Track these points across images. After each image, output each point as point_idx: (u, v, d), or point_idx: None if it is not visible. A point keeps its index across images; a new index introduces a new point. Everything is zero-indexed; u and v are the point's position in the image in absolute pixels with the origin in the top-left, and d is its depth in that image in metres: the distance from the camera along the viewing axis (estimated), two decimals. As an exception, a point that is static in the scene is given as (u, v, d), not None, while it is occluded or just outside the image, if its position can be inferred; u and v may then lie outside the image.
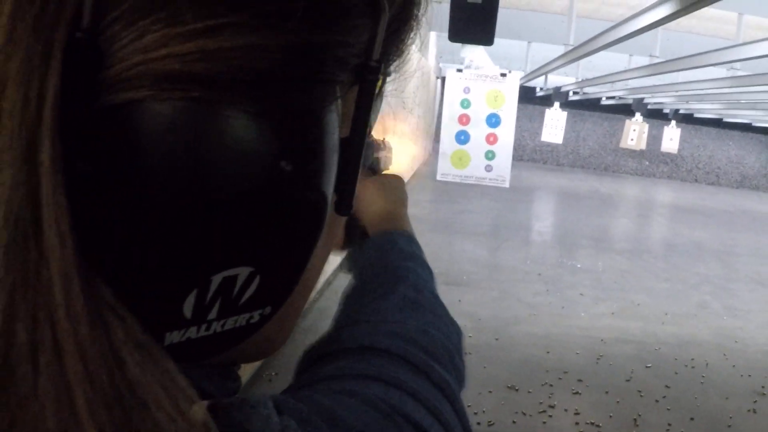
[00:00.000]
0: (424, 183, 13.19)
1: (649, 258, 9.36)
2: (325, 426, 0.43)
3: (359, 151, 0.44)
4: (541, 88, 15.78)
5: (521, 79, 8.81)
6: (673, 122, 17.83)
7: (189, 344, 0.39)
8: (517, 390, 4.54)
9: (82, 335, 0.30)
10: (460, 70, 8.09)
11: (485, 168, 8.10)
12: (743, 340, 6.02)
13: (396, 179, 1.07)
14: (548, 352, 5.26)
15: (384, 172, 1.08)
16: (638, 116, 15.81)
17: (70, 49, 0.30)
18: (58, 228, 0.30)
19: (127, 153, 0.32)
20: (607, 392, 4.64)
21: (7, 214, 0.29)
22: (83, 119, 0.31)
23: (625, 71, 8.88)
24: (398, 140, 9.35)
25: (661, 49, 7.11)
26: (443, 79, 11.18)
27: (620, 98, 16.03)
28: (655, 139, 19.59)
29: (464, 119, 8.02)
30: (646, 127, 16.09)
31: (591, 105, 20.47)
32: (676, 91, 10.40)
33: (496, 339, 5.35)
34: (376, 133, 1.07)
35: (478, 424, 3.95)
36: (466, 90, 8.00)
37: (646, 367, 5.17)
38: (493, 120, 8.01)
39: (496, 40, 3.91)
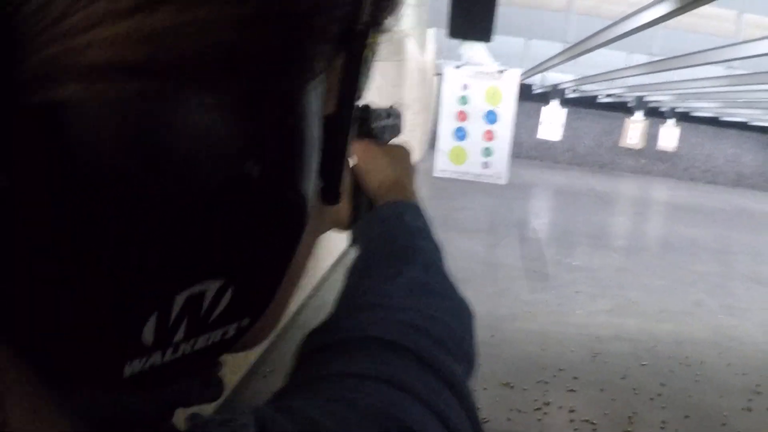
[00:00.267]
0: (421, 179, 13.16)
1: (645, 256, 9.37)
2: None
3: (346, 130, 0.38)
4: (539, 86, 15.79)
5: (519, 76, 8.80)
6: (671, 120, 17.83)
7: (154, 371, 0.33)
8: (512, 387, 4.54)
9: None
10: (458, 67, 8.07)
11: (482, 165, 8.09)
12: (739, 338, 6.03)
13: (402, 149, 1.03)
14: (544, 350, 5.26)
15: (391, 142, 1.05)
16: (639, 115, 15.77)
17: None
18: None
19: (56, 163, 0.26)
20: (602, 390, 4.64)
21: None
22: None
23: (623, 69, 8.88)
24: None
25: (660, 46, 7.12)
26: (441, 76, 11.18)
27: (618, 96, 16.02)
28: (652, 137, 19.60)
29: (462, 116, 8.01)
30: (646, 125, 16.06)
31: (588, 103, 20.47)
32: (674, 90, 10.40)
33: (492, 336, 5.35)
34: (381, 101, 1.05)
35: (474, 420, 3.94)
36: (464, 87, 7.99)
37: (642, 364, 5.18)
38: (491, 117, 8.00)
39: (495, 36, 3.91)
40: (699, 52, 5.88)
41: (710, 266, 9.10)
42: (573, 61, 8.77)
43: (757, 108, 13.17)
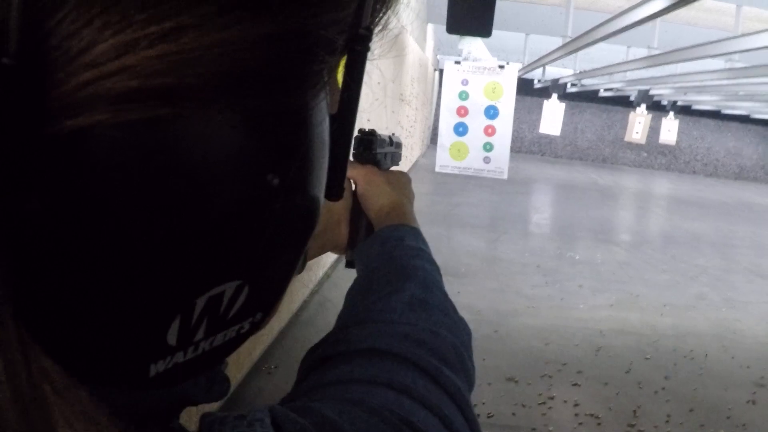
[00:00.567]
0: (422, 175, 13.18)
1: (647, 250, 9.36)
2: None
3: (350, 129, 0.40)
4: (539, 80, 15.77)
5: (519, 70, 8.79)
6: (672, 114, 17.81)
7: (176, 369, 0.35)
8: (516, 382, 4.54)
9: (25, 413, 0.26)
10: (458, 62, 8.07)
11: (484, 160, 8.08)
12: (742, 331, 6.02)
13: (403, 175, 1.06)
14: (547, 344, 5.26)
15: (392, 168, 1.07)
16: (643, 108, 15.70)
17: None
18: None
19: (87, 186, 0.28)
20: (606, 384, 4.64)
21: None
22: (24, 153, 0.26)
23: (623, 63, 8.87)
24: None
25: (660, 40, 7.11)
26: (441, 71, 11.17)
27: (618, 90, 16.01)
28: (653, 130, 19.59)
29: (462, 111, 8.00)
30: (650, 119, 15.99)
31: (589, 97, 20.47)
32: (675, 83, 10.39)
33: (495, 331, 5.35)
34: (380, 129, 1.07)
35: (478, 416, 3.93)
36: (464, 82, 7.99)
37: (645, 358, 5.17)
38: (492, 112, 8.00)
39: (494, 31, 3.91)
40: (699, 45, 5.87)
41: (712, 260, 9.09)
42: (573, 56, 8.77)
43: (757, 101, 13.17)
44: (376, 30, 0.41)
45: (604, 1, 7.79)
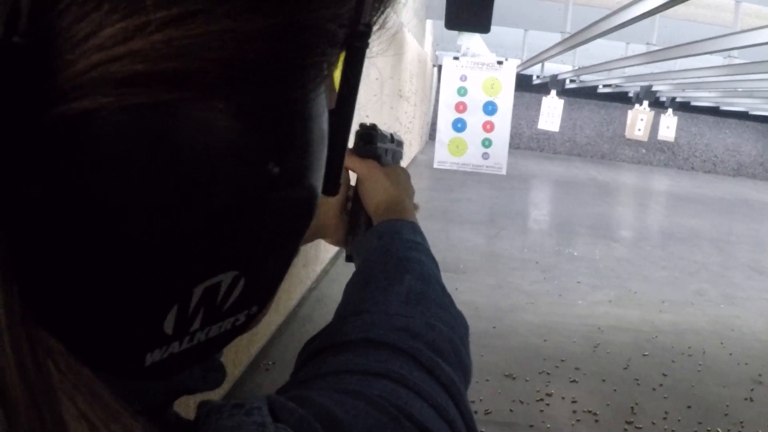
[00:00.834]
0: (421, 171, 13.19)
1: (646, 246, 9.37)
2: None
3: (348, 124, 0.40)
4: (538, 76, 15.75)
5: (518, 66, 8.80)
6: (670, 110, 17.80)
7: (172, 359, 0.35)
8: (514, 378, 4.54)
9: (30, 388, 0.26)
10: (456, 58, 8.07)
11: (482, 156, 8.09)
12: (740, 328, 6.03)
13: (403, 171, 1.06)
14: (545, 341, 5.26)
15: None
16: (645, 105, 15.65)
17: (7, 57, 0.25)
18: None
19: (89, 169, 0.28)
20: (604, 380, 4.64)
21: None
22: (29, 135, 0.26)
23: (622, 59, 8.87)
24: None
25: (658, 36, 7.10)
26: (440, 67, 11.18)
27: (617, 86, 15.99)
28: (652, 127, 19.59)
29: (461, 107, 8.01)
30: (652, 116, 15.94)
31: (588, 93, 20.46)
32: (673, 79, 10.38)
33: (494, 327, 5.35)
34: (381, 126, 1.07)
35: (476, 412, 3.95)
36: (463, 78, 7.99)
37: (644, 355, 5.18)
38: (490, 108, 8.01)
39: (493, 27, 3.91)
40: (697, 41, 5.86)
41: (711, 256, 9.10)
42: (572, 52, 8.76)
43: (756, 97, 13.16)
44: (375, 28, 0.41)
45: (602, -3, 7.79)
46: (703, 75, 8.38)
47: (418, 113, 15.49)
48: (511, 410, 4.10)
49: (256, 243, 0.35)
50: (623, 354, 5.15)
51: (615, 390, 4.51)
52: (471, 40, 8.06)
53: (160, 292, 0.32)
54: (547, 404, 4.23)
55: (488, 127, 8.04)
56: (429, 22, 13.78)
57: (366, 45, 0.39)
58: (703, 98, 16.55)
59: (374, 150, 1.02)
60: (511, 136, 9.18)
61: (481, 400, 4.13)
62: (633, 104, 16.28)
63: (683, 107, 20.28)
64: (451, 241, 8.13)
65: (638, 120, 15.72)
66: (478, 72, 7.99)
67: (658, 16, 5.65)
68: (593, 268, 7.70)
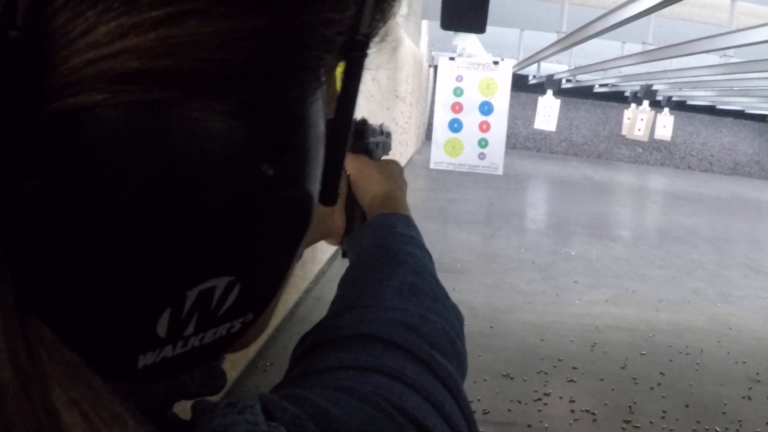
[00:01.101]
0: (417, 171, 13.19)
1: (643, 245, 9.38)
2: (319, 431, 0.41)
3: (346, 135, 0.40)
4: (534, 76, 15.76)
5: (514, 67, 8.79)
6: (667, 109, 17.82)
7: (165, 363, 0.35)
8: (512, 378, 4.54)
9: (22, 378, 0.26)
10: (452, 59, 8.07)
11: (478, 156, 8.09)
12: (737, 326, 6.04)
13: (395, 164, 1.06)
14: (543, 340, 5.27)
15: (383, 158, 1.08)
16: (645, 105, 15.62)
17: (3, 50, 0.25)
18: None
19: (82, 166, 0.28)
20: (601, 380, 4.65)
21: None
22: (24, 131, 0.26)
23: (618, 58, 8.87)
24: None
25: (654, 36, 7.11)
26: (435, 68, 11.18)
27: (613, 86, 16.00)
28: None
29: (457, 107, 8.01)
30: (653, 116, 15.90)
31: (584, 93, 20.47)
32: (669, 79, 10.39)
33: (491, 327, 5.35)
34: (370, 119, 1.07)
35: (474, 412, 3.95)
36: (459, 78, 7.99)
37: (641, 354, 5.18)
38: (486, 108, 8.01)
39: (489, 28, 3.90)
40: (693, 40, 5.87)
41: (708, 255, 9.11)
42: (567, 52, 8.77)
43: (752, 96, 13.18)
44: (375, 40, 0.42)
45: (598, -4, 7.79)
46: (699, 74, 8.39)
47: (415, 114, 15.49)
48: (509, 410, 4.11)
49: (250, 246, 0.34)
50: (621, 353, 5.16)
51: (613, 389, 4.51)
52: (467, 41, 8.06)
53: (151, 294, 0.32)
54: (545, 404, 4.24)
55: (484, 127, 8.04)
56: (425, 23, 13.79)
57: (364, 55, 0.39)
58: (700, 97, 16.57)
59: (366, 145, 1.02)
60: (508, 136, 9.19)
61: (479, 400, 4.13)
62: (630, 104, 16.27)
63: (679, 106, 20.29)
64: (448, 242, 8.13)
65: (638, 120, 15.70)
66: (474, 72, 7.99)
67: (653, 15, 5.66)
68: (590, 267, 7.71)
